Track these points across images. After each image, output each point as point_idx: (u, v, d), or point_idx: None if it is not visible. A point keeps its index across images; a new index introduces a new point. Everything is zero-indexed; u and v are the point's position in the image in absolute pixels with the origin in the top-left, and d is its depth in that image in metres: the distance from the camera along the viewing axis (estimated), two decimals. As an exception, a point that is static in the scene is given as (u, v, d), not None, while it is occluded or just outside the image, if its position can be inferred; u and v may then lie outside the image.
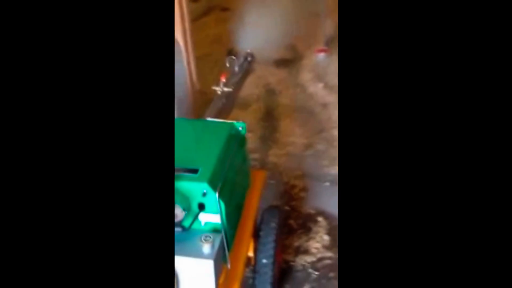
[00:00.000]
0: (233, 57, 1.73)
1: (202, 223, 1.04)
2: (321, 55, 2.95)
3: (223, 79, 1.54)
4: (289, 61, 3.17)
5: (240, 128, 1.24)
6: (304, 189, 2.04)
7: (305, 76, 2.97)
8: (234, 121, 1.26)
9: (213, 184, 1.00)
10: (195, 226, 1.02)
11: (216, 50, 3.17)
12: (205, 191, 0.99)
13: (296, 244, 1.73)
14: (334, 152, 2.23)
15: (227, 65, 1.71)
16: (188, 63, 2.02)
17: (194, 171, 1.03)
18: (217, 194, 0.99)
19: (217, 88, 1.54)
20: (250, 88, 2.92)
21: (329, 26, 3.04)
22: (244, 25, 3.48)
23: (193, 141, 1.17)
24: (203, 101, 2.20)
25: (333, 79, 2.82)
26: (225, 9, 3.76)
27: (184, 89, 2.07)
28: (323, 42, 3.00)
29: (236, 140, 1.20)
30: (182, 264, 0.97)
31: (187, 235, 1.00)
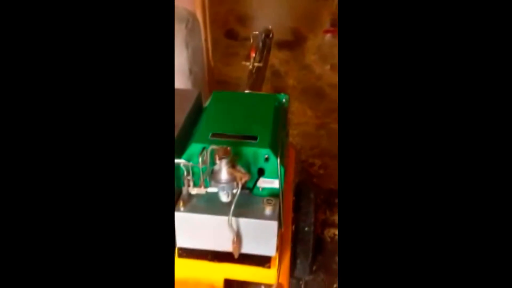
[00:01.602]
0: (256, 32, 1.75)
1: (260, 189, 1.07)
2: (328, 35, 2.98)
3: (253, 54, 1.56)
4: (292, 43, 3.20)
5: (283, 100, 1.27)
6: (323, 166, 2.08)
7: (311, 57, 3.00)
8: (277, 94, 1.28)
9: (274, 150, 1.02)
10: (254, 191, 1.05)
11: (216, 31, 3.17)
12: (267, 156, 1.01)
13: (322, 218, 1.78)
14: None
15: (251, 41, 1.73)
16: (206, 40, 2.02)
17: (253, 138, 1.05)
18: (278, 159, 1.01)
19: (247, 63, 1.56)
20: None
21: (336, 7, 3.07)
22: (246, 8, 3.49)
23: (244, 111, 1.19)
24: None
25: (323, 69, 2.87)
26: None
27: (200, 66, 2.08)
28: (329, 23, 3.03)
29: (282, 111, 1.23)
30: (246, 226, 0.99)
31: (249, 199, 1.02)
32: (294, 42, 3.18)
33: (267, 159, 1.01)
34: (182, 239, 1.04)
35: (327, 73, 2.80)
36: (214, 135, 1.05)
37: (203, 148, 0.99)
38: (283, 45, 3.14)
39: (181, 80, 1.95)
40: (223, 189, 0.97)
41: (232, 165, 0.96)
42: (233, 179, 0.96)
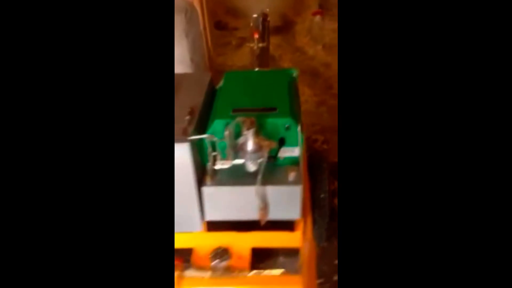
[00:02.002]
0: (256, 15, 1.80)
1: (281, 158, 1.13)
2: (318, 17, 3.03)
3: (256, 36, 1.61)
4: (282, 28, 3.24)
5: (294, 74, 1.32)
6: (326, 141, 2.15)
7: (302, 40, 3.06)
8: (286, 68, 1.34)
9: (294, 118, 1.07)
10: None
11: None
12: (288, 125, 1.07)
13: (332, 188, 1.85)
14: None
15: (251, 24, 1.78)
16: (204, 28, 2.06)
17: (272, 109, 1.10)
18: (299, 127, 1.07)
19: (251, 45, 1.61)
20: (250, 54, 2.99)
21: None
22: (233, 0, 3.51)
23: (259, 86, 1.24)
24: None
25: (331, 40, 2.92)
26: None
27: (200, 54, 2.13)
28: (317, 5, 3.08)
29: (294, 84, 1.28)
30: (272, 193, 1.05)
31: (271, 168, 1.08)
32: (284, 27, 3.23)
33: (288, 128, 1.07)
34: (210, 213, 1.10)
35: (320, 53, 2.86)
36: (234, 110, 1.10)
37: (227, 123, 1.04)
38: (274, 30, 3.17)
39: (182, 69, 1.99)
40: (250, 159, 1.02)
41: (258, 135, 1.02)
42: (259, 148, 1.01)
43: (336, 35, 2.97)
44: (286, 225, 1.15)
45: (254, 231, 1.14)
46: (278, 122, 1.07)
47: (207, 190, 1.06)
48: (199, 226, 1.12)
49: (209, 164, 1.08)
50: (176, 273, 1.05)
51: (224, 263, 1.08)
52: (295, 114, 1.10)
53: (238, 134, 1.05)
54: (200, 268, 1.03)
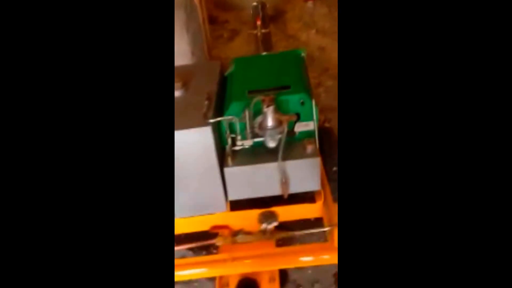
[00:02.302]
0: (255, 3, 1.84)
1: (296, 134, 1.17)
2: (310, 3, 3.07)
3: (259, 22, 1.66)
4: (273, 17, 3.28)
5: (302, 54, 1.37)
6: (327, 120, 2.20)
7: (294, 26, 3.10)
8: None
9: (308, 93, 1.13)
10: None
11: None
12: (302, 100, 1.12)
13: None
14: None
15: (251, 12, 1.83)
16: (204, 21, 2.10)
17: (286, 87, 1.15)
18: (313, 101, 1.12)
19: (255, 31, 1.66)
20: (244, 45, 3.04)
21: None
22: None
23: (270, 68, 1.29)
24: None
25: (323, 24, 2.97)
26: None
27: (201, 47, 2.16)
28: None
29: (303, 62, 1.33)
30: (293, 167, 1.10)
31: (288, 143, 1.12)
32: (275, 16, 3.26)
33: (302, 103, 1.12)
34: (233, 192, 1.15)
35: (313, 38, 2.91)
36: (250, 92, 1.15)
37: (245, 105, 1.09)
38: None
39: (183, 62, 2.03)
40: (270, 135, 1.07)
41: (276, 111, 1.07)
42: (279, 124, 1.06)
43: (327, 19, 3.02)
44: (306, 197, 1.20)
45: (275, 206, 1.19)
46: (293, 98, 1.12)
47: (229, 170, 1.11)
48: (223, 207, 1.17)
49: (228, 146, 1.12)
50: (228, 240, 1.09)
51: (271, 226, 1.12)
52: (308, 90, 1.15)
53: (255, 114, 1.10)
54: (249, 232, 1.08)
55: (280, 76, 1.22)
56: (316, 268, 1.50)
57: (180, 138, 1.05)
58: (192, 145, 1.07)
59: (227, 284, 1.20)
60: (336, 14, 3.07)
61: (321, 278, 1.48)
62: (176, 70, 1.20)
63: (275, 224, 1.13)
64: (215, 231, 1.17)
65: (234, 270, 1.18)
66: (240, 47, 3.03)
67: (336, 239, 1.12)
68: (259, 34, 1.64)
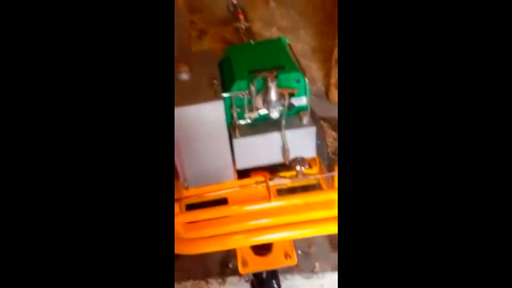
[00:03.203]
0: (234, 1, 1.97)
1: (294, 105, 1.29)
2: (273, 4, 3.22)
3: (242, 17, 1.79)
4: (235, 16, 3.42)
5: (287, 41, 1.51)
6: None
7: (256, 25, 3.25)
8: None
9: (302, 72, 1.27)
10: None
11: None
12: (297, 78, 1.25)
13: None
14: (313, 71, 2.63)
15: (230, 8, 1.95)
16: (186, 25, 2.19)
17: (281, 67, 1.28)
18: (306, 80, 1.26)
19: (239, 25, 1.79)
20: (212, 43, 3.15)
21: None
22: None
23: (262, 53, 1.41)
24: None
25: (282, 23, 3.15)
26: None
27: (183, 42, 2.25)
28: (267, -9, 3.28)
29: (290, 48, 1.47)
30: (293, 136, 1.24)
31: (287, 116, 1.25)
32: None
33: (298, 81, 1.26)
34: (240, 161, 1.26)
35: (275, 34, 3.08)
36: (250, 72, 1.27)
37: (248, 82, 1.21)
38: (229, 22, 3.35)
39: None
40: (274, 107, 1.20)
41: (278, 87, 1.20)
42: (282, 96, 1.19)
43: (286, 18, 3.20)
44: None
45: (278, 173, 1.31)
46: (290, 76, 1.25)
47: (237, 141, 1.22)
48: (232, 176, 1.28)
49: (234, 120, 1.24)
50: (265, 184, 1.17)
51: (303, 168, 1.21)
52: (301, 69, 1.29)
53: (257, 90, 1.22)
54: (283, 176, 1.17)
55: (272, 59, 1.35)
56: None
57: (193, 112, 1.15)
58: (205, 118, 1.18)
59: None
60: (292, 13, 3.26)
61: (316, 241, 1.61)
62: (181, 57, 1.32)
63: (306, 167, 1.22)
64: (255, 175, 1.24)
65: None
66: (209, 45, 3.14)
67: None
68: (243, 27, 1.76)
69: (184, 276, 1.50)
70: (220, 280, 1.48)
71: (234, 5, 1.95)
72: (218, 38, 3.16)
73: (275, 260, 1.27)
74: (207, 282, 1.48)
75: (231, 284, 1.47)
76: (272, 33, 3.09)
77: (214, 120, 1.19)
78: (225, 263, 1.53)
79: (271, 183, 1.14)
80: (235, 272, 1.49)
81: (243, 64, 1.36)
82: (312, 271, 1.47)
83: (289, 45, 1.50)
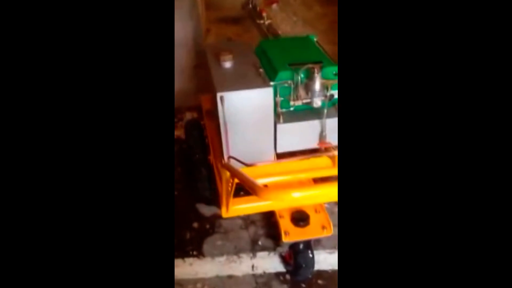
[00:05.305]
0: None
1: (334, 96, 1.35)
2: (274, 5, 3.25)
3: (264, 14, 1.84)
4: (237, 19, 3.44)
5: (315, 39, 1.57)
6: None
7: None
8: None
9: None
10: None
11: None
12: (335, 72, 1.32)
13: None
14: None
15: (249, 6, 1.99)
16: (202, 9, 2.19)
17: (319, 62, 1.34)
18: (340, 74, 1.33)
19: (261, 21, 1.83)
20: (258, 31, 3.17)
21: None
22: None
23: (296, 47, 1.48)
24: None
25: (285, 26, 3.20)
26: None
27: (200, 33, 2.25)
28: (270, -6, 3.31)
29: (320, 45, 1.53)
30: (331, 123, 1.30)
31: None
32: (239, 18, 3.42)
33: (335, 74, 1.32)
34: (281, 146, 1.34)
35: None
36: (290, 64, 1.32)
37: (291, 73, 1.26)
38: (229, 21, 3.37)
39: (187, 47, 2.10)
40: (318, 95, 1.26)
41: (322, 78, 1.26)
42: (324, 87, 1.25)
43: (287, 23, 3.25)
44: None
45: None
46: (329, 70, 1.32)
47: (281, 126, 1.28)
48: (272, 156, 1.33)
49: (278, 108, 1.28)
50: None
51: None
52: (336, 64, 1.36)
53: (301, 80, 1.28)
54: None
55: (308, 53, 1.42)
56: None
57: (244, 96, 1.21)
58: (254, 103, 1.23)
59: (282, 216, 1.35)
60: (294, 19, 3.32)
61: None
62: (224, 46, 1.41)
63: None
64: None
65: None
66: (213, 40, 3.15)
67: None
68: (266, 23, 1.81)
69: (218, 252, 1.54)
70: (251, 254, 1.53)
71: (253, 3, 1.99)
72: (221, 36, 3.18)
73: (313, 231, 1.35)
74: (239, 257, 1.53)
75: (261, 257, 1.52)
76: (275, 35, 3.15)
77: (262, 105, 1.24)
78: (254, 241, 1.58)
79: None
80: (264, 248, 1.54)
81: (281, 56, 1.42)
82: (334, 247, 1.54)
83: (317, 42, 1.57)
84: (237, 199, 1.31)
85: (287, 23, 3.28)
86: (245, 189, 1.02)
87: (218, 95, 1.19)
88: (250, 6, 2.00)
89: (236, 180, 1.08)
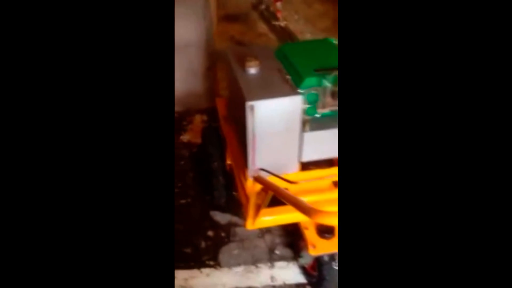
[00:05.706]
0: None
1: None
2: (278, 4, 3.20)
3: (280, 15, 1.77)
4: (238, 16, 3.37)
5: (335, 42, 1.51)
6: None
7: (262, 26, 3.22)
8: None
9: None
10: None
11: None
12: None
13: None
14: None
15: (262, 6, 1.93)
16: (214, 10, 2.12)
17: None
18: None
19: (276, 23, 1.77)
20: (219, 42, 3.08)
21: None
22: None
23: (318, 52, 1.41)
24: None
25: (289, 21, 3.15)
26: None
27: (211, 32, 2.18)
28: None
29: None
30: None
31: None
32: (241, 15, 3.35)
33: (362, 79, 1.26)
34: (307, 154, 1.27)
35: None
36: (316, 70, 1.26)
37: (317, 79, 1.20)
38: (231, 18, 3.29)
39: (201, 47, 2.03)
40: (346, 103, 1.20)
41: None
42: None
43: (290, 20, 3.19)
44: None
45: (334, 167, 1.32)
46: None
47: (308, 135, 1.22)
48: (296, 168, 1.27)
49: (304, 116, 1.22)
50: None
51: None
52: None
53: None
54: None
55: (332, 58, 1.35)
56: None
57: (274, 105, 1.15)
58: (282, 112, 1.17)
59: (307, 227, 1.30)
60: (296, 17, 3.27)
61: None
62: (249, 52, 1.34)
63: None
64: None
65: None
66: (217, 40, 3.08)
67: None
68: (282, 25, 1.75)
69: (235, 262, 1.48)
70: (269, 264, 1.47)
71: (266, 4, 1.93)
72: (226, 36, 3.10)
73: (340, 244, 1.28)
74: (257, 267, 1.47)
75: (280, 268, 1.47)
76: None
77: (291, 113, 1.18)
78: (271, 250, 1.52)
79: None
80: (282, 257, 1.49)
81: (304, 62, 1.35)
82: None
83: (336, 45, 1.51)
84: (262, 211, 1.25)
85: (289, 22, 3.23)
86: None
87: (248, 104, 1.12)
88: (263, 6, 1.93)
89: (270, 193, 1.02)
